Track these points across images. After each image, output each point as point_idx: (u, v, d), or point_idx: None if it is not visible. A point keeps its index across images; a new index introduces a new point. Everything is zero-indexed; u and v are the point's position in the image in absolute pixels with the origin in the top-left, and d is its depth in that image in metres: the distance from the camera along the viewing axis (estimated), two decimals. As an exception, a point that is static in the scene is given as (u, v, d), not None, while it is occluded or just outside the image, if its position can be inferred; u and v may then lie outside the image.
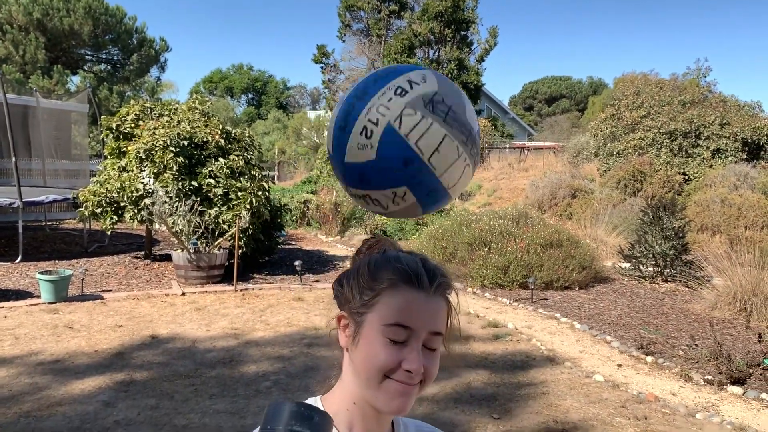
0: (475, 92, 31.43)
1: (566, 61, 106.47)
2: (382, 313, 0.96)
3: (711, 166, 15.90)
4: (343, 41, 33.35)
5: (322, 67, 32.48)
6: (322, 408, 1.00)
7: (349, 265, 1.06)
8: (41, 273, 7.78)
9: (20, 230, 10.07)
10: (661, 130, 16.67)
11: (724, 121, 16.22)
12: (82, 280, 8.37)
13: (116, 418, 4.37)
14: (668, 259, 9.45)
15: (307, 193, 18.29)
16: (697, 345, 6.32)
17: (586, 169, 19.62)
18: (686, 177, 15.91)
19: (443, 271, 1.01)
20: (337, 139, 1.03)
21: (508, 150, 29.55)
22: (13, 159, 10.29)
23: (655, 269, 9.58)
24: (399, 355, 0.95)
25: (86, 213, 9.68)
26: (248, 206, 9.31)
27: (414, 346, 0.95)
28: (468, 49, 31.68)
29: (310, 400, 1.03)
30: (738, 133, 15.98)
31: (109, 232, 9.90)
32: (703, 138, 16.32)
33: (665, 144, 16.57)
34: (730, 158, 15.92)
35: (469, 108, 1.06)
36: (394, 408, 0.96)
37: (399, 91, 0.99)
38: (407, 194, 1.04)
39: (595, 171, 18.67)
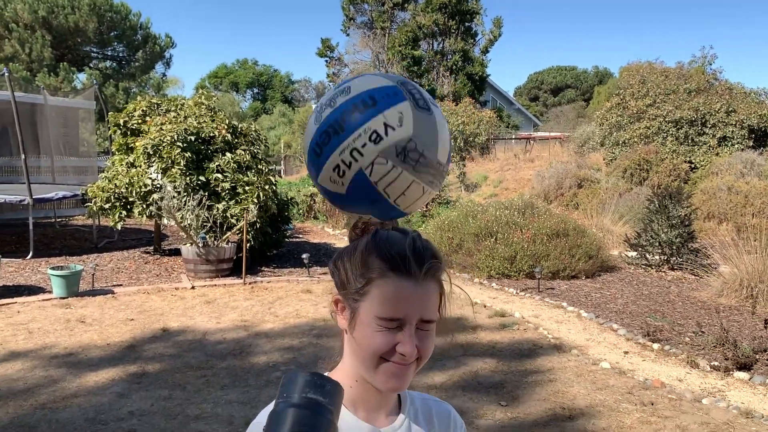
0: (480, 83, 31.39)
1: (571, 51, 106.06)
2: (374, 303, 0.99)
3: (717, 154, 15.86)
4: (348, 34, 33.36)
5: (326, 61, 32.51)
6: None
7: (348, 243, 1.09)
8: (52, 268, 7.88)
9: (31, 227, 10.18)
10: (666, 119, 16.63)
11: (730, 109, 16.17)
12: (93, 275, 8.47)
13: (130, 408, 4.45)
14: (674, 247, 9.47)
15: (313, 186, 18.36)
16: (703, 332, 6.35)
17: (592, 158, 19.61)
18: (692, 165, 15.88)
19: (433, 252, 1.03)
20: (313, 161, 1.06)
21: (513, 141, 29.52)
22: (23, 156, 10.40)
23: (662, 257, 9.60)
24: (393, 339, 0.98)
25: (95, 209, 9.78)
26: (256, 200, 9.38)
27: (407, 331, 0.99)
28: (473, 41, 31.60)
29: None
30: (744, 121, 15.93)
31: (118, 228, 10.00)
32: (709, 126, 16.27)
33: (671, 132, 16.54)
34: (736, 146, 15.88)
35: (443, 139, 1.07)
36: (391, 387, 1.01)
37: (374, 137, 0.99)
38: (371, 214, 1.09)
39: (601, 160, 18.65)
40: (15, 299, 7.57)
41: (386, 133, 1.00)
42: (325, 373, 1.09)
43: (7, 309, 7.20)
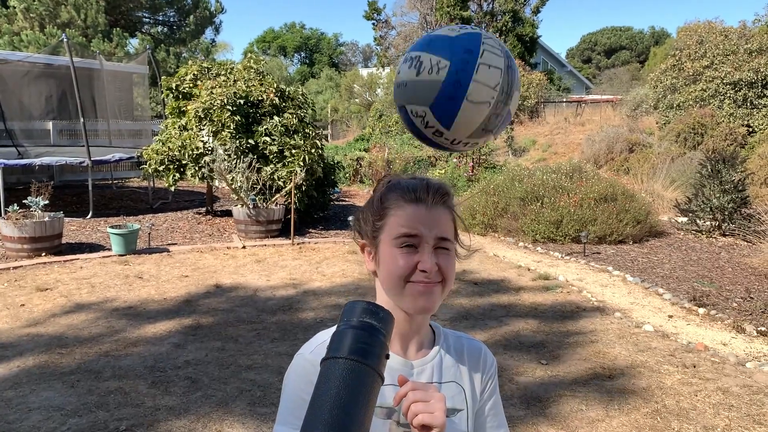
0: (531, 45, 30.68)
1: (627, 10, 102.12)
2: (392, 229, 1.12)
3: (778, 118, 15.24)
4: (395, -4, 32.88)
5: (373, 24, 32.26)
6: None
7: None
8: (111, 227, 8.25)
9: (90, 188, 10.63)
10: (724, 81, 16.01)
11: (794, 70, 15.45)
12: (149, 234, 8.84)
13: (186, 358, 4.72)
14: (726, 213, 9.26)
15: (360, 150, 18.47)
16: (752, 297, 6.28)
17: (645, 122, 19.09)
18: (750, 129, 15.31)
19: (444, 186, 1.16)
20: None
21: (564, 104, 28.90)
22: (81, 120, 10.79)
23: (713, 223, 9.41)
24: (413, 259, 1.10)
25: (150, 171, 10.13)
26: (302, 163, 9.56)
27: (425, 249, 1.10)
28: (523, 1, 30.80)
29: None
30: (809, 82, 15.22)
31: (172, 189, 10.35)
32: (771, 88, 15.61)
33: (729, 95, 15.93)
34: (799, 109, 15.21)
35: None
36: (420, 307, 1.11)
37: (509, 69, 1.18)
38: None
39: (654, 124, 18.14)
40: (77, 256, 7.98)
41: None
42: None
43: (71, 265, 7.61)
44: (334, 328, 1.13)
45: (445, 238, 1.12)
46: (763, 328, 5.42)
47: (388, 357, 0.88)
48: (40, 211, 7.99)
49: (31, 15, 20.38)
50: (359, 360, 0.83)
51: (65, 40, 11.02)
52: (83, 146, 10.76)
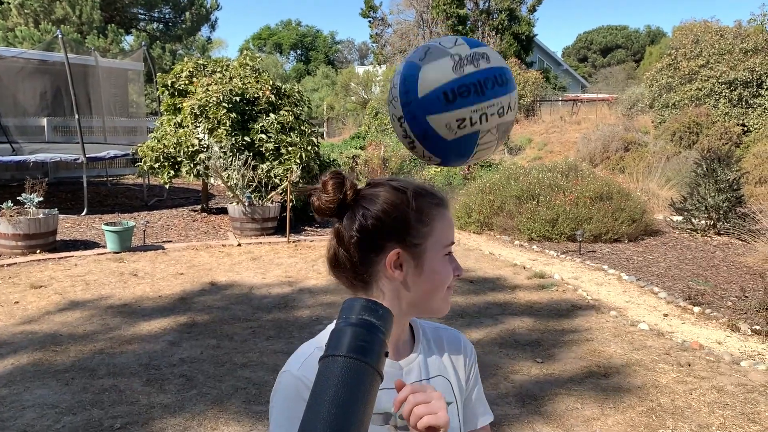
0: (527, 43, 30.71)
1: (623, 9, 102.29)
2: (440, 236, 1.11)
3: (773, 117, 15.29)
4: (391, -6, 32.89)
5: (369, 21, 32.24)
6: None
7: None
8: (106, 224, 8.23)
9: (85, 184, 10.59)
10: (720, 80, 16.06)
11: (788, 70, 15.50)
12: (144, 231, 8.81)
13: (181, 356, 4.71)
14: (721, 212, 9.28)
15: (356, 148, 18.46)
16: (747, 296, 6.30)
17: (640, 121, 19.14)
18: (745, 128, 15.37)
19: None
20: (437, 103, 1.10)
21: (560, 103, 28.93)
22: (76, 117, 10.75)
23: (708, 222, 9.44)
24: (452, 264, 1.13)
25: (145, 168, 10.11)
26: (298, 161, 9.55)
27: (453, 255, 1.15)
28: (519, -1, 30.81)
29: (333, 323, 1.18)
30: (803, 82, 15.28)
31: (167, 186, 10.32)
32: (765, 87, 15.66)
33: (724, 94, 15.99)
34: (794, 108, 15.27)
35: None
36: (448, 309, 1.15)
37: (500, 111, 1.13)
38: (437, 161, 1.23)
39: (650, 123, 18.19)
40: (72, 253, 7.95)
41: (506, 112, 1.14)
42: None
43: (66, 262, 7.58)
44: (316, 339, 1.15)
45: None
46: (757, 327, 5.43)
47: (387, 355, 0.88)
48: (34, 208, 7.96)
49: (26, 11, 20.29)
50: (358, 358, 0.82)
51: (60, 36, 10.97)
52: (78, 143, 10.72)
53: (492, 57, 1.12)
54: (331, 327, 1.16)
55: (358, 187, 1.12)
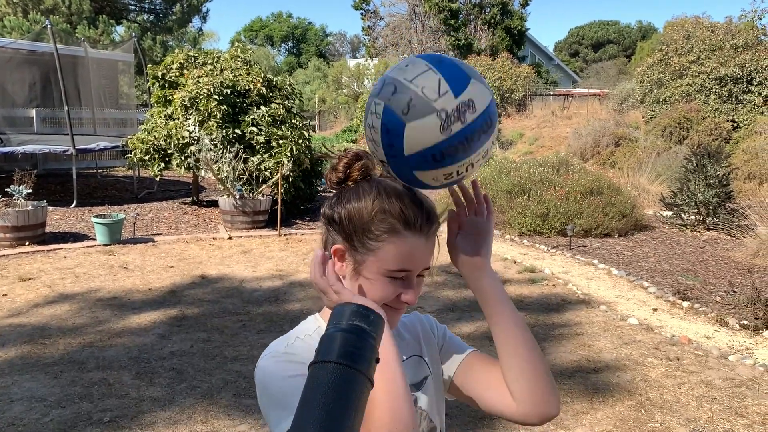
0: (519, 38, 30.72)
1: (615, 4, 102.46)
2: (386, 258, 1.05)
3: (762, 113, 15.38)
4: (384, -13, 32.80)
5: (362, 14, 32.14)
6: (322, 321, 1.14)
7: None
8: (96, 217, 8.17)
9: (74, 176, 10.51)
10: (710, 76, 16.13)
11: (778, 66, 15.58)
12: (134, 224, 8.77)
13: (171, 349, 4.69)
14: (711, 207, 9.34)
15: (347, 142, 18.41)
16: (735, 291, 6.34)
17: (631, 116, 19.19)
18: (735, 124, 15.45)
19: (434, 208, 1.12)
20: (424, 163, 1.03)
21: (551, 97, 28.98)
22: (66, 108, 10.66)
23: (697, 217, 9.49)
24: (397, 290, 1.08)
25: (135, 160, 10.04)
26: (289, 154, 9.51)
27: (412, 281, 1.08)
28: (511, -7, 30.81)
29: (310, 318, 1.17)
30: (793, 79, 15.36)
31: (157, 179, 10.26)
32: (755, 83, 15.74)
33: (714, 90, 16.06)
34: (783, 105, 15.35)
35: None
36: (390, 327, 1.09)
37: (485, 156, 1.08)
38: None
39: (641, 118, 18.25)
40: (61, 245, 7.90)
41: (489, 152, 1.09)
42: (317, 313, 1.18)
43: (55, 254, 7.53)
44: (286, 336, 1.12)
45: (428, 267, 1.11)
46: (745, 322, 5.48)
47: (378, 361, 0.87)
48: (23, 200, 7.89)
49: (14, 1, 20.08)
50: (348, 364, 0.82)
51: (49, 26, 10.87)
52: (67, 134, 10.63)
53: (477, 101, 1.03)
54: (303, 324, 1.16)
55: (365, 174, 1.12)
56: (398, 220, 1.06)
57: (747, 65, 15.72)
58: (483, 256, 1.15)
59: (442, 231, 1.14)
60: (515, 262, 7.62)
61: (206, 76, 10.03)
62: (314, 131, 24.66)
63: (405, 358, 1.18)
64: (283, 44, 54.06)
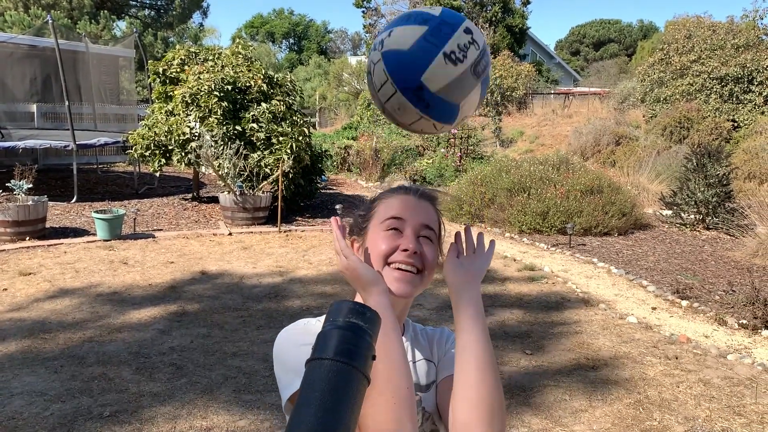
0: (520, 36, 30.69)
1: (616, 3, 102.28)
2: (379, 215, 1.18)
3: (763, 113, 15.37)
4: (385, -16, 32.75)
5: (363, 11, 32.09)
6: None
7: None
8: (96, 212, 8.18)
9: (74, 172, 10.51)
10: (711, 75, 16.12)
11: (779, 66, 15.56)
12: (134, 219, 8.77)
13: (171, 344, 4.70)
14: (711, 207, 9.35)
15: (348, 139, 18.40)
16: (734, 291, 6.35)
17: (632, 115, 19.19)
18: (736, 124, 15.44)
19: (433, 191, 1.24)
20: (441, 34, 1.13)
21: (552, 96, 28.96)
22: (66, 103, 10.65)
23: (697, 217, 9.50)
24: (396, 241, 1.15)
25: (135, 156, 10.04)
26: (289, 151, 9.52)
27: (408, 232, 1.15)
28: (513, -9, 30.77)
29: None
30: (794, 78, 15.35)
31: (157, 174, 10.26)
32: (756, 83, 15.73)
33: (715, 90, 16.05)
34: (784, 104, 15.35)
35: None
36: (399, 290, 1.14)
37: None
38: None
39: (641, 117, 18.25)
40: (62, 240, 7.91)
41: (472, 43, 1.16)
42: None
43: (55, 249, 7.54)
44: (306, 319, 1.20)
45: (430, 226, 1.17)
46: (744, 321, 5.49)
47: (374, 358, 0.88)
48: (23, 195, 7.89)
49: (15, -5, 20.07)
50: (345, 361, 0.82)
51: (50, 21, 10.85)
52: (68, 130, 10.63)
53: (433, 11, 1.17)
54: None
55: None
56: (388, 191, 1.23)
57: (748, 65, 15.71)
58: (472, 273, 1.17)
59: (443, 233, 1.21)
60: (515, 260, 7.63)
61: (207, 72, 10.03)
62: (315, 128, 24.65)
63: (419, 359, 1.23)
64: (284, 41, 53.96)
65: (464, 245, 1.22)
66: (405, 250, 1.13)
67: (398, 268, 1.13)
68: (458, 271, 1.17)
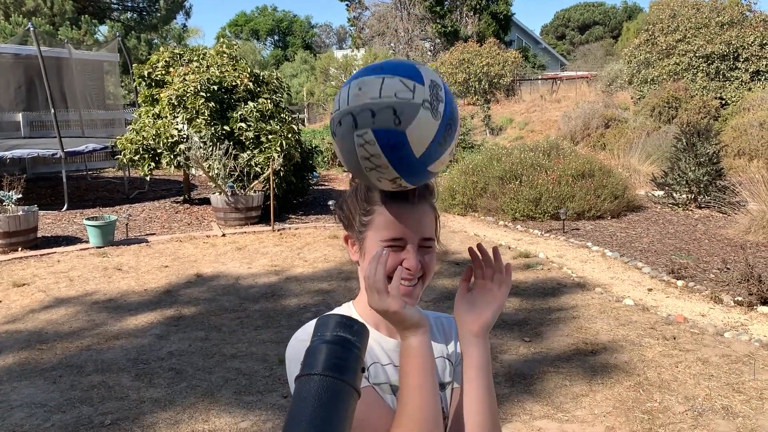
0: (505, 22, 30.65)
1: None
2: (378, 228, 1.15)
3: (750, 89, 15.43)
4: (368, -24, 32.61)
5: (347, 5, 31.95)
6: (355, 311, 1.22)
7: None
8: (88, 219, 8.13)
9: (64, 179, 10.44)
10: (697, 54, 16.16)
11: (764, 41, 15.61)
12: (127, 224, 8.73)
13: (169, 349, 4.69)
14: (702, 186, 9.38)
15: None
16: (728, 268, 6.38)
17: (620, 97, 19.23)
18: (723, 101, 15.49)
19: (428, 184, 1.19)
20: (433, 152, 1.08)
21: (540, 81, 28.96)
22: (52, 111, 10.58)
23: (689, 196, 9.53)
24: (398, 258, 1.13)
25: (125, 160, 9.99)
26: (279, 149, 9.48)
27: (410, 249, 1.14)
28: (496, -22, 30.73)
29: (345, 305, 1.25)
30: (779, 53, 15.40)
31: (147, 178, 10.21)
32: (742, 60, 15.78)
33: (701, 68, 16.09)
34: (770, 80, 15.40)
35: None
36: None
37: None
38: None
39: (629, 99, 18.29)
40: (54, 249, 7.86)
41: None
42: (351, 301, 1.24)
43: (48, 258, 7.50)
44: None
45: (430, 238, 1.16)
46: (739, 298, 5.52)
47: (364, 371, 0.87)
48: (13, 205, 7.84)
49: (-5, 4, 19.87)
50: (335, 376, 0.82)
51: (32, 28, 10.76)
52: (55, 137, 10.55)
53: (434, 77, 1.09)
54: (337, 310, 1.21)
55: None
56: (381, 192, 1.15)
57: (733, 42, 15.76)
58: (483, 323, 1.17)
59: (442, 232, 1.16)
60: (510, 248, 7.64)
61: (192, 73, 9.97)
62: (304, 124, 24.57)
63: (437, 356, 1.21)
64: (268, 38, 53.72)
65: (483, 268, 1.21)
66: (409, 269, 1.13)
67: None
68: (469, 315, 1.17)
